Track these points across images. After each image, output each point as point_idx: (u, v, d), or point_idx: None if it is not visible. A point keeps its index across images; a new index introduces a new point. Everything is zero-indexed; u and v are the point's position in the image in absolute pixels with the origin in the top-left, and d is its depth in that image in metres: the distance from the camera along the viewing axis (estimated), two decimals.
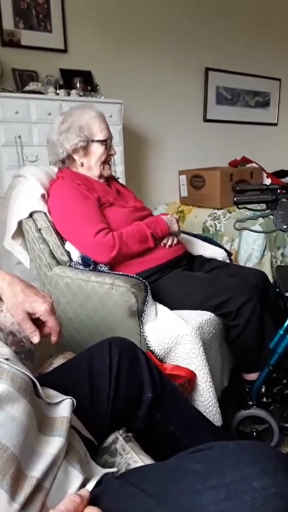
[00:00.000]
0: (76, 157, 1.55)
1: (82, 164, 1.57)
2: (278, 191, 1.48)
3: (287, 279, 1.48)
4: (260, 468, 0.57)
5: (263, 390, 1.36)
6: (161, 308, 1.37)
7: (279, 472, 0.56)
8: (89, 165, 1.57)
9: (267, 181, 2.91)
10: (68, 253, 1.50)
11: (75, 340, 1.40)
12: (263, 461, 0.58)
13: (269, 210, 1.51)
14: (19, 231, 1.58)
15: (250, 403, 1.34)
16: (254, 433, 1.31)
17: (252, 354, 1.39)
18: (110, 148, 1.60)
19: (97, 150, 1.55)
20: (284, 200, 1.41)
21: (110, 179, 1.70)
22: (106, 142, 1.57)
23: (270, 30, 3.77)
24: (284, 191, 1.47)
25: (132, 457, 0.79)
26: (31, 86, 2.33)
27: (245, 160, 3.14)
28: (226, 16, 3.47)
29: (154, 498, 0.57)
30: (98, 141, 1.54)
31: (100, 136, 1.55)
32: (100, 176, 1.60)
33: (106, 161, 1.60)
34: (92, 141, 1.54)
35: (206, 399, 1.23)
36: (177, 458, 0.66)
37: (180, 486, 0.58)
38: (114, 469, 0.72)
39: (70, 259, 1.49)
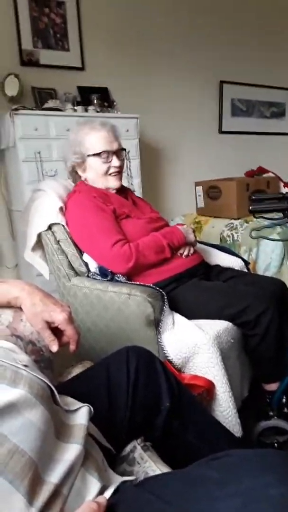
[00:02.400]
0: (80, 172, 1.60)
1: (86, 179, 1.60)
2: None
3: None
4: (278, 476, 0.56)
5: (284, 400, 1.34)
6: (178, 317, 1.37)
7: None
8: (92, 179, 1.59)
9: (284, 190, 2.89)
10: (86, 264, 1.52)
11: (93, 349, 1.41)
12: (281, 469, 0.58)
13: (286, 219, 1.51)
14: (39, 243, 1.62)
15: (271, 413, 1.32)
16: (276, 444, 1.29)
17: (271, 363, 1.37)
18: (112, 160, 1.55)
19: (95, 164, 1.55)
20: None
21: (127, 191, 1.72)
22: (105, 155, 1.54)
23: (283, 41, 3.79)
24: None
25: (150, 466, 0.79)
26: (50, 103, 2.40)
27: (262, 170, 3.14)
28: (238, 29, 3.51)
29: (171, 505, 0.57)
30: (94, 155, 1.54)
31: (96, 149, 1.53)
32: (108, 188, 1.60)
33: (109, 173, 1.57)
34: (88, 155, 1.54)
35: (225, 409, 1.22)
36: (194, 466, 0.66)
37: (197, 493, 0.58)
38: (132, 478, 0.72)
39: (88, 270, 1.51)
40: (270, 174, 3.05)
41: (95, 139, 1.54)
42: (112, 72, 2.87)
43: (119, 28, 2.90)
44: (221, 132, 3.59)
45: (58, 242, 1.55)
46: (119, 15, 2.89)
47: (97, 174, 1.57)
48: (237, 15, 3.48)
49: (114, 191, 1.63)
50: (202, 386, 1.20)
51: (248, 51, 3.59)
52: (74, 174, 1.62)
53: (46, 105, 2.40)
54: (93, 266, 1.50)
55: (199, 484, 0.59)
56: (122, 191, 1.68)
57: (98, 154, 1.54)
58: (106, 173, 1.57)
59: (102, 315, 1.40)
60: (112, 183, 1.59)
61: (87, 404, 0.72)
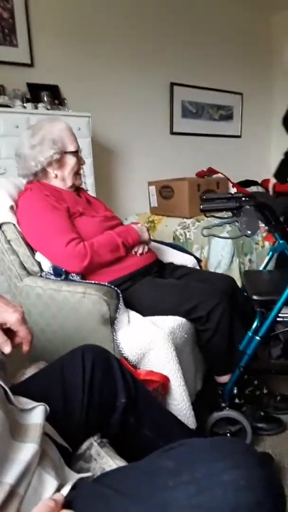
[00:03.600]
0: (50, 169, 1.56)
1: (56, 176, 1.58)
2: (242, 199, 1.54)
3: (254, 283, 1.53)
4: (231, 462, 0.59)
5: (235, 391, 1.39)
6: (133, 315, 1.38)
7: (248, 465, 0.58)
8: (63, 177, 1.59)
9: (233, 191, 3.00)
10: (39, 264, 1.50)
11: (47, 350, 1.39)
12: (233, 455, 0.60)
13: (234, 217, 1.58)
14: None
15: (223, 405, 1.37)
16: (228, 435, 1.34)
17: (223, 356, 1.43)
18: (80, 159, 1.63)
19: (70, 161, 1.58)
20: (248, 207, 1.47)
21: (80, 190, 1.71)
22: (77, 153, 1.60)
23: (232, 46, 3.93)
24: (248, 199, 1.54)
25: (107, 462, 0.80)
26: None
27: (212, 171, 3.24)
28: (190, 33, 3.60)
29: (128, 498, 0.58)
30: (70, 152, 1.57)
31: (72, 147, 1.58)
32: (72, 186, 1.62)
33: (78, 172, 1.63)
34: (65, 152, 1.56)
35: (179, 402, 1.25)
36: (150, 457, 0.67)
37: (153, 483, 0.59)
38: (88, 474, 0.73)
39: (41, 270, 1.49)
40: (220, 175, 3.16)
41: (71, 136, 1.58)
42: (63, 69, 2.83)
43: (70, 25, 2.87)
44: (172, 133, 3.66)
45: (8, 241, 1.51)
46: (69, 11, 2.86)
47: (69, 172, 1.59)
48: (187, 18, 3.56)
49: (73, 189, 1.62)
50: (157, 381, 1.22)
51: (198, 55, 3.68)
52: (39, 172, 1.56)
53: None
54: (47, 266, 1.48)
55: (155, 474, 0.61)
56: (76, 189, 1.67)
57: (75, 152, 1.58)
58: (77, 171, 1.61)
59: (56, 315, 1.38)
60: (78, 181, 1.64)
61: (43, 403, 0.72)
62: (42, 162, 1.53)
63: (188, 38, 3.60)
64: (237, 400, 1.41)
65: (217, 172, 3.20)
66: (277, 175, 2.29)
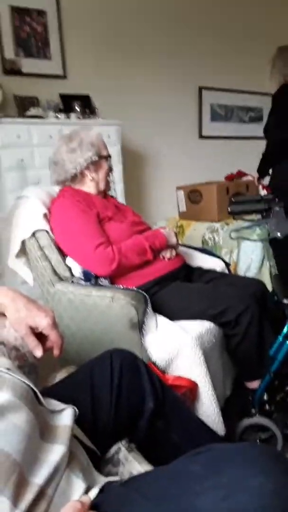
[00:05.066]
0: (87, 172, 1.62)
1: (92, 179, 1.64)
2: (272, 200, 1.52)
3: (285, 287, 1.50)
4: (258, 468, 0.58)
5: (265, 397, 1.37)
6: (161, 319, 1.39)
7: (275, 470, 0.57)
8: (98, 180, 1.65)
9: (263, 193, 2.95)
10: (70, 269, 1.54)
11: (78, 354, 1.42)
12: (260, 461, 0.59)
13: (264, 220, 1.55)
14: (23, 250, 1.63)
15: (253, 411, 1.35)
16: (258, 442, 1.32)
17: (252, 362, 1.41)
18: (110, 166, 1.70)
19: (104, 165, 1.66)
20: (277, 209, 1.45)
21: (107, 196, 1.75)
22: (109, 159, 1.67)
23: (260, 46, 3.87)
24: (278, 201, 1.51)
25: (134, 466, 0.80)
26: (32, 111, 2.41)
27: (241, 174, 3.20)
28: (217, 35, 3.59)
29: (153, 502, 0.59)
30: (104, 157, 1.64)
31: (105, 152, 1.65)
32: (103, 191, 1.68)
33: (108, 176, 1.70)
34: (100, 157, 1.62)
35: (208, 408, 1.24)
36: (177, 462, 0.68)
37: (179, 488, 0.60)
38: (116, 478, 0.74)
39: (72, 275, 1.53)
40: (249, 178, 3.11)
41: (103, 143, 1.67)
42: (94, 80, 2.90)
43: (100, 36, 2.93)
44: (201, 137, 3.65)
45: (41, 248, 1.56)
46: (99, 23, 2.92)
47: (103, 176, 1.66)
48: (215, 20, 3.55)
49: (102, 195, 1.67)
50: (185, 386, 1.22)
51: (225, 58, 3.66)
52: (77, 175, 1.62)
53: (28, 113, 2.40)
54: (77, 271, 1.51)
55: (182, 479, 0.61)
56: (105, 195, 1.71)
57: (107, 157, 1.66)
58: (108, 176, 1.68)
59: (87, 320, 1.41)
60: (108, 185, 1.71)
61: (72, 406, 0.74)
62: (81, 164, 1.59)
63: (216, 40, 3.59)
64: (267, 407, 1.39)
65: (246, 175, 3.15)
66: (258, 170, 2.69)
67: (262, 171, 2.66)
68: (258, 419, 1.33)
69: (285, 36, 4.02)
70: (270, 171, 2.67)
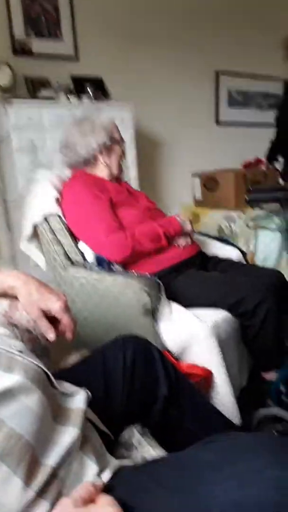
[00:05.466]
0: (100, 156, 1.60)
1: (105, 163, 1.61)
2: None
3: None
4: (274, 458, 0.55)
5: (282, 389, 1.33)
6: (176, 306, 1.36)
7: None
8: (111, 164, 1.62)
9: (281, 181, 2.88)
10: (82, 254, 1.51)
11: (91, 339, 1.40)
12: (277, 452, 0.57)
13: (282, 208, 1.50)
14: (35, 234, 1.61)
15: (270, 402, 1.32)
16: (275, 433, 1.29)
17: (270, 353, 1.38)
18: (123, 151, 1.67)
19: (117, 149, 1.63)
20: None
21: (120, 181, 1.72)
22: (122, 144, 1.65)
23: (279, 31, 3.75)
24: None
25: (148, 450, 0.79)
26: (43, 93, 2.37)
27: (259, 161, 3.12)
28: (235, 18, 3.48)
29: (168, 489, 0.57)
30: (116, 141, 1.62)
31: (117, 136, 1.63)
32: (116, 175, 1.65)
33: (121, 161, 1.67)
34: (113, 140, 1.59)
35: (223, 397, 1.22)
36: (191, 449, 0.66)
37: (193, 476, 0.57)
38: (129, 462, 0.72)
39: (85, 259, 1.50)
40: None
41: (115, 127, 1.64)
42: (107, 62, 2.84)
43: (113, 17, 2.87)
44: (218, 123, 3.57)
45: (53, 232, 1.54)
46: (113, 5, 2.85)
47: (116, 160, 1.63)
48: (234, 5, 3.44)
49: (115, 180, 1.64)
50: (200, 375, 1.19)
51: (244, 41, 3.55)
52: (90, 159, 1.59)
53: (39, 95, 2.37)
54: (90, 256, 1.49)
55: (196, 467, 0.59)
56: (117, 179, 1.68)
57: (119, 141, 1.63)
58: (121, 160, 1.66)
59: (99, 305, 1.39)
60: (121, 170, 1.68)
61: (85, 389, 0.72)
62: (94, 148, 1.56)
63: (234, 23, 3.48)
64: (284, 398, 1.35)
65: (264, 163, 3.08)
66: (268, 157, 2.73)
67: (270, 158, 2.67)
68: (274, 410, 1.30)
69: None
70: (280, 158, 2.62)
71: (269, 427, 1.30)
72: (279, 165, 2.70)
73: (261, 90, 3.74)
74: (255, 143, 3.72)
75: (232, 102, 3.60)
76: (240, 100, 3.65)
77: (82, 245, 1.52)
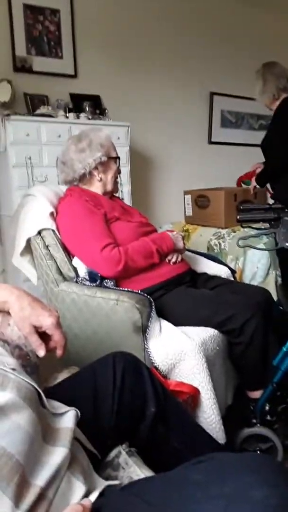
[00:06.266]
0: (95, 172, 1.63)
1: (100, 179, 1.64)
2: (281, 210, 1.51)
3: None
4: (260, 478, 0.57)
5: (267, 408, 1.35)
6: (165, 324, 1.38)
7: (279, 483, 0.56)
8: (106, 181, 1.66)
9: (271, 201, 2.94)
10: (75, 269, 1.53)
11: (80, 355, 1.41)
12: (263, 472, 0.59)
13: (272, 229, 1.54)
14: (28, 248, 1.62)
15: (254, 421, 1.34)
16: (258, 452, 1.30)
17: (256, 371, 1.39)
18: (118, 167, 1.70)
19: (113, 166, 1.66)
20: (286, 218, 1.44)
21: (114, 197, 1.75)
22: (118, 160, 1.68)
23: (271, 56, 3.87)
24: (287, 210, 1.50)
25: (134, 471, 0.80)
26: (42, 109, 2.42)
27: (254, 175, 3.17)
28: (230, 43, 3.59)
29: (155, 508, 0.58)
30: (113, 158, 1.65)
31: (114, 153, 1.66)
32: (110, 191, 1.68)
33: (116, 179, 1.70)
34: (109, 158, 1.62)
35: (209, 416, 1.23)
36: (178, 469, 0.67)
37: (181, 496, 0.59)
38: (116, 482, 0.73)
39: (77, 275, 1.52)
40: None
41: (113, 144, 1.67)
42: (105, 80, 2.90)
43: (112, 37, 2.94)
44: (210, 142, 3.65)
45: (47, 247, 1.56)
46: (112, 24, 2.93)
47: (111, 176, 1.66)
48: (227, 29, 3.56)
49: (109, 196, 1.68)
50: (187, 392, 1.21)
51: (238, 64, 3.66)
52: (86, 175, 1.62)
53: (38, 111, 2.41)
54: (82, 271, 1.51)
55: (183, 486, 0.60)
56: (111, 196, 1.71)
57: (116, 158, 1.67)
58: (116, 177, 1.68)
59: (90, 321, 1.40)
60: (116, 187, 1.71)
61: (74, 408, 0.73)
62: (90, 164, 1.59)
63: (228, 48, 3.59)
64: (269, 417, 1.37)
65: None
66: (258, 182, 2.59)
67: (261, 184, 2.61)
68: (259, 429, 1.31)
69: None
70: (269, 185, 2.66)
71: (254, 446, 1.32)
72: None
73: (252, 111, 3.85)
74: (246, 163, 3.81)
75: (225, 122, 3.69)
76: (233, 120, 3.75)
77: (76, 261, 1.54)
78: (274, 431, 1.32)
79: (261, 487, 0.55)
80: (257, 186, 2.67)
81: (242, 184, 3.13)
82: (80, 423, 0.73)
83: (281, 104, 2.39)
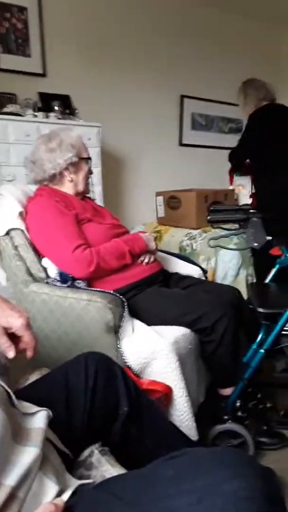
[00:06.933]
0: (66, 173, 1.61)
1: (71, 180, 1.62)
2: (250, 211, 1.55)
3: (260, 296, 1.52)
4: (232, 472, 0.58)
5: (238, 404, 1.38)
6: (138, 323, 1.39)
7: (249, 476, 0.58)
8: (77, 181, 1.64)
9: (248, 201, 2.99)
10: (45, 270, 1.51)
11: (51, 357, 1.39)
12: (234, 466, 0.60)
13: (241, 229, 1.58)
14: None
15: (226, 417, 1.36)
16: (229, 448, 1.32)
17: (227, 369, 1.42)
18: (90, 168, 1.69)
19: (84, 167, 1.65)
20: (255, 219, 1.48)
21: (86, 198, 1.74)
22: (89, 161, 1.67)
23: (241, 60, 3.97)
24: (255, 212, 1.55)
25: (107, 469, 0.79)
26: (10, 108, 2.37)
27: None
28: (201, 47, 3.65)
29: (129, 504, 0.58)
30: (84, 158, 1.64)
31: (85, 154, 1.65)
32: (81, 192, 1.67)
33: (87, 179, 1.68)
34: (80, 158, 1.61)
35: (182, 413, 1.24)
36: (151, 466, 0.67)
37: (154, 491, 0.59)
38: (89, 481, 0.72)
39: (47, 276, 1.50)
40: (229, 187, 3.16)
41: (84, 145, 1.66)
42: (74, 80, 2.89)
43: (83, 36, 2.93)
44: (181, 144, 3.70)
45: (16, 247, 1.53)
46: (82, 23, 2.92)
47: (82, 177, 1.65)
48: (199, 32, 3.62)
49: (80, 196, 1.66)
50: (160, 391, 1.21)
51: (209, 68, 3.73)
52: (56, 175, 1.60)
53: (5, 110, 2.36)
54: (53, 272, 1.49)
55: (156, 482, 0.60)
56: (83, 197, 1.70)
57: (87, 159, 1.66)
58: (87, 178, 1.67)
59: (61, 322, 1.38)
60: (88, 187, 1.70)
61: (46, 408, 0.72)
62: (61, 164, 1.57)
63: (199, 52, 3.66)
64: (240, 413, 1.40)
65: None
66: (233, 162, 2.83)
67: (231, 159, 2.81)
68: (230, 426, 1.33)
69: (263, 52, 4.15)
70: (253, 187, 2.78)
71: (225, 442, 1.34)
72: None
73: (222, 115, 3.92)
74: (216, 165, 3.88)
75: (195, 125, 3.75)
76: (203, 123, 3.81)
77: (45, 261, 1.51)
78: (245, 427, 1.35)
79: (232, 481, 0.56)
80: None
81: (234, 176, 3.18)
82: (52, 423, 0.72)
83: (259, 108, 2.60)
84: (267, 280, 1.70)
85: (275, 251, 1.95)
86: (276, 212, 2.24)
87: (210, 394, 1.53)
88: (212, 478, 0.58)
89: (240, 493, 0.55)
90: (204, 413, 1.45)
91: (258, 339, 1.36)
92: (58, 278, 1.47)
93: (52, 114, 2.51)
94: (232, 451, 0.73)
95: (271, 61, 4.22)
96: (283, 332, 1.31)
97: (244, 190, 3.00)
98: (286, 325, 1.29)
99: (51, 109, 2.59)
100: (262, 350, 1.30)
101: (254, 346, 1.36)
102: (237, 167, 2.90)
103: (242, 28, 3.91)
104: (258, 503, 0.54)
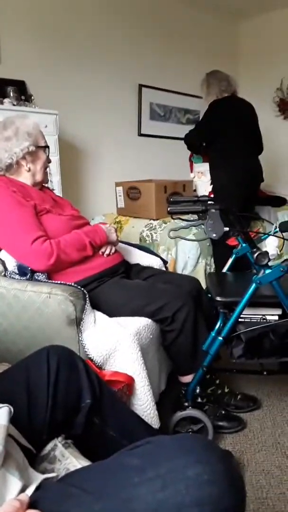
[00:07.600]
0: (23, 162, 1.56)
1: (29, 170, 1.57)
2: (208, 202, 1.58)
3: (217, 285, 1.57)
4: (194, 458, 0.60)
5: (197, 391, 1.42)
6: (99, 315, 1.39)
7: (211, 460, 0.60)
8: (35, 171, 1.59)
9: (209, 188, 3.04)
10: (3, 263, 1.46)
11: (11, 351, 1.36)
12: (196, 451, 0.62)
13: (200, 220, 1.61)
14: None
15: (186, 404, 1.40)
16: (190, 433, 1.37)
17: (187, 357, 1.46)
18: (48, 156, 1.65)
19: (42, 156, 1.60)
20: (213, 210, 1.51)
21: (44, 188, 1.70)
22: (47, 149, 1.63)
23: (199, 52, 4.01)
24: (213, 203, 1.58)
25: (71, 462, 0.80)
26: None
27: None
28: (159, 37, 3.64)
29: (93, 495, 0.59)
30: (41, 147, 1.59)
31: (42, 142, 1.60)
32: (40, 182, 1.63)
33: (46, 169, 1.64)
34: (38, 147, 1.57)
35: (144, 402, 1.26)
36: (114, 456, 0.68)
37: (118, 480, 0.60)
38: (53, 474, 0.72)
39: (5, 269, 1.46)
40: (188, 178, 3.20)
41: (41, 133, 1.61)
42: (30, 65, 2.79)
43: (38, 21, 2.82)
44: (140, 134, 3.69)
45: None
46: (38, 7, 2.81)
47: (40, 167, 1.60)
48: (157, 22, 3.60)
49: (39, 187, 1.62)
50: (123, 381, 1.22)
51: (166, 58, 3.73)
52: (13, 165, 1.54)
53: None
54: (11, 265, 1.45)
55: (120, 472, 0.62)
56: (41, 187, 1.66)
57: (45, 147, 1.61)
58: (46, 167, 1.62)
59: (21, 316, 1.36)
60: (46, 177, 1.66)
61: (7, 405, 0.71)
62: (17, 153, 1.52)
63: (158, 41, 3.65)
64: (199, 400, 1.45)
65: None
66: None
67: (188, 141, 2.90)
68: (190, 412, 1.37)
69: (221, 45, 4.21)
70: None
71: (186, 428, 1.38)
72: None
73: (180, 106, 3.95)
74: (174, 156, 3.92)
75: (154, 115, 3.75)
76: (161, 114, 3.82)
77: (3, 254, 1.47)
78: (204, 412, 1.39)
79: (194, 466, 0.58)
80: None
81: (193, 160, 3.24)
82: (14, 419, 0.71)
83: (220, 98, 2.70)
84: (224, 270, 1.75)
85: (231, 241, 2.01)
86: (230, 202, 2.31)
87: (171, 382, 1.57)
88: (175, 464, 0.59)
89: (203, 477, 0.57)
90: (166, 401, 1.49)
91: (217, 327, 1.41)
92: (16, 271, 1.43)
93: (6, 101, 2.42)
94: (193, 437, 0.76)
95: (229, 54, 4.30)
96: (240, 320, 1.36)
97: (204, 177, 3.05)
98: (242, 313, 1.34)
99: (6, 95, 2.49)
100: (220, 338, 1.35)
101: (213, 334, 1.40)
102: (195, 151, 3.00)
103: (199, 20, 3.94)
104: (220, 486, 0.57)
